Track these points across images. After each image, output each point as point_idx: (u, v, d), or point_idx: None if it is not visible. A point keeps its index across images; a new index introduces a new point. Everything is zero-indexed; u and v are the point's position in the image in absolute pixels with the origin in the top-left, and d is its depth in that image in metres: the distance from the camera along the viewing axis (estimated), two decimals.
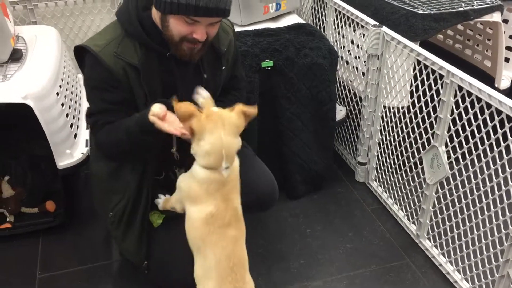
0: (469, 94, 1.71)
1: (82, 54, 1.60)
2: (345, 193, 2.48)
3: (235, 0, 2.31)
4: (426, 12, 2.22)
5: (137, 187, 1.70)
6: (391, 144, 2.23)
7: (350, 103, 2.51)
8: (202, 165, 1.40)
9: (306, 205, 2.39)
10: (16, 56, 2.12)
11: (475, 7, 2.27)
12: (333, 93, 2.32)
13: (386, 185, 2.36)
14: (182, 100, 1.56)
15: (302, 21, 2.48)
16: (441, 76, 1.82)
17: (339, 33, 2.50)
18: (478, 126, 1.70)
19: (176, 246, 1.78)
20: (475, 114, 1.70)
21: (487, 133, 1.66)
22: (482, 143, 1.70)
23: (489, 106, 1.63)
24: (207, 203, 1.42)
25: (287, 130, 2.29)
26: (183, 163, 1.74)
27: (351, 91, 2.50)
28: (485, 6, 2.29)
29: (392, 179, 2.29)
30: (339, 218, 2.31)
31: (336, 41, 2.53)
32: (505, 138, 1.59)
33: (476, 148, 1.73)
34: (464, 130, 1.77)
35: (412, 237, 2.17)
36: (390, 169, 2.29)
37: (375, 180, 2.45)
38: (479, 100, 1.67)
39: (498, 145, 1.63)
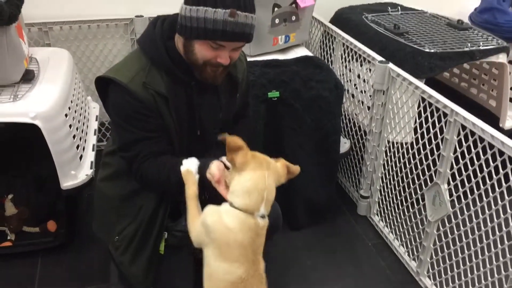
0: (472, 133, 1.72)
1: (104, 85, 1.61)
2: (346, 226, 2.47)
3: None
4: (432, 51, 2.25)
5: (153, 212, 1.70)
6: (393, 179, 2.24)
7: (355, 137, 2.53)
8: (239, 205, 1.29)
9: (307, 236, 2.39)
10: (28, 76, 2.15)
11: (481, 47, 2.30)
12: (338, 125, 2.34)
13: (387, 220, 2.35)
14: (204, 127, 1.65)
15: (310, 54, 2.52)
16: (445, 114, 1.84)
17: (346, 67, 2.54)
18: (480, 166, 1.71)
19: (178, 274, 1.80)
20: (477, 153, 1.71)
21: (489, 173, 1.67)
22: (484, 183, 1.70)
23: (491, 146, 1.64)
24: (237, 263, 1.30)
25: (291, 161, 2.28)
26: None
27: (356, 124, 2.52)
28: (491, 47, 2.32)
29: (393, 214, 2.29)
30: (339, 252, 2.30)
31: (343, 74, 2.56)
32: (506, 179, 1.59)
33: (478, 188, 1.73)
34: (466, 169, 1.78)
35: (412, 274, 2.16)
36: (392, 204, 2.29)
37: (377, 215, 2.45)
38: (482, 140, 1.68)
39: (500, 186, 1.63)
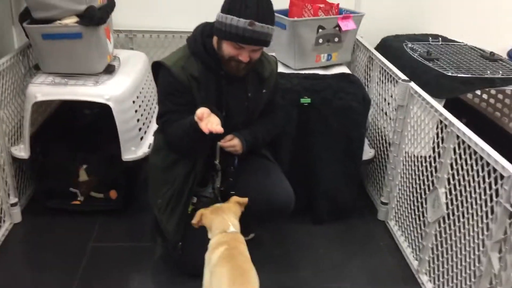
0: (463, 141, 1.96)
1: (157, 68, 2.11)
2: (364, 228, 2.72)
3: (291, 46, 2.75)
4: (454, 75, 2.50)
5: (184, 180, 2.12)
6: (406, 186, 2.48)
7: (381, 148, 2.79)
8: (213, 237, 1.87)
9: (326, 230, 2.67)
10: (110, 69, 2.67)
11: (499, 76, 2.50)
12: (362, 134, 2.63)
13: (400, 224, 2.58)
14: (230, 111, 2.05)
15: (348, 71, 2.84)
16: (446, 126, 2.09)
17: (380, 87, 2.83)
18: (467, 171, 1.94)
19: (202, 234, 2.19)
20: (466, 160, 1.94)
21: (472, 176, 1.90)
22: (469, 185, 1.92)
23: (476, 152, 1.87)
24: (218, 248, 1.79)
25: (317, 161, 2.62)
26: (223, 173, 2.16)
27: (383, 137, 2.79)
28: (511, 76, 2.51)
29: (404, 218, 2.52)
30: (352, 247, 2.56)
31: (377, 92, 2.85)
32: (484, 181, 1.82)
33: (465, 190, 1.95)
34: (458, 174, 2.01)
35: (413, 272, 2.37)
36: (403, 209, 2.53)
37: (393, 220, 2.69)
38: (469, 146, 1.92)
39: (479, 187, 1.85)
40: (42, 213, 2.68)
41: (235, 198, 1.97)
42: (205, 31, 2.04)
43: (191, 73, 1.99)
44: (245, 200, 1.98)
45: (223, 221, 1.88)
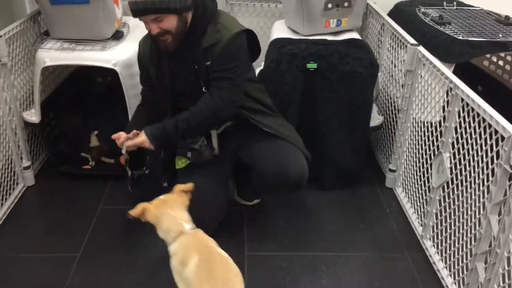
0: (467, 104, 1.92)
1: None
2: (371, 194, 2.71)
3: (299, 11, 2.71)
4: (464, 39, 2.43)
5: None
6: (413, 152, 2.45)
7: (391, 115, 2.76)
8: (171, 241, 1.68)
9: (332, 196, 2.67)
10: (118, 35, 2.69)
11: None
12: (369, 100, 2.60)
13: (406, 191, 2.57)
14: (177, 86, 2.14)
15: (358, 37, 2.79)
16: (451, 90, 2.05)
17: (390, 52, 2.78)
18: (471, 133, 1.90)
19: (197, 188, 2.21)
20: (469, 122, 1.91)
21: (475, 139, 1.86)
22: (472, 149, 1.89)
23: (478, 114, 1.83)
24: (192, 257, 1.60)
25: (323, 127, 2.61)
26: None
27: (392, 104, 2.75)
28: None
29: (411, 184, 2.50)
30: (357, 212, 2.56)
31: (389, 59, 2.80)
32: (486, 143, 1.78)
33: (468, 154, 1.92)
34: (462, 137, 1.98)
35: (417, 238, 2.36)
36: (410, 176, 2.50)
37: (401, 186, 2.67)
38: (473, 109, 1.88)
39: (481, 150, 1.82)
40: (54, 177, 2.76)
41: (179, 187, 1.81)
42: None
43: (145, 49, 2.17)
44: (190, 186, 1.82)
45: (173, 220, 1.71)
